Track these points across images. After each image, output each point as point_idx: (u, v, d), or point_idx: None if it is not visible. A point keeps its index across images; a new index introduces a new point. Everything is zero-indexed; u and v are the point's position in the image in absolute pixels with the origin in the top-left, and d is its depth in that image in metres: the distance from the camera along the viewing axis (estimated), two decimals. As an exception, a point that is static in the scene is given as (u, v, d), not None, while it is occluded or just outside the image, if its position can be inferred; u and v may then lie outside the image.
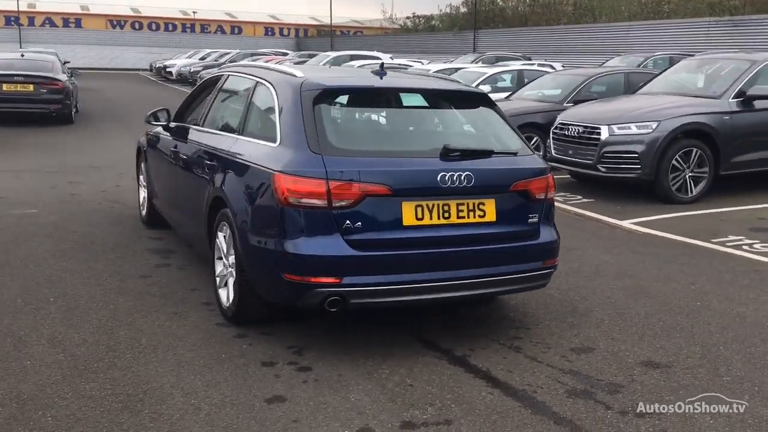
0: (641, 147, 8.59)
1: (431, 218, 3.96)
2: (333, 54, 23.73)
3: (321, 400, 3.56)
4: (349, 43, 45.31)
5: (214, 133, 5.12)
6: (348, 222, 3.82)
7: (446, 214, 3.99)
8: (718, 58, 10.43)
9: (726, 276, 5.81)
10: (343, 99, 4.35)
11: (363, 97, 4.49)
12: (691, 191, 8.74)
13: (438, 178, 3.93)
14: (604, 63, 19.52)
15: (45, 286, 5.20)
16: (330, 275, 3.81)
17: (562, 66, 18.62)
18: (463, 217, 4.02)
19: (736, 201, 8.78)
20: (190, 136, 5.46)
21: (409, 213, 3.91)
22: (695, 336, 4.50)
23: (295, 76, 4.47)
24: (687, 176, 8.72)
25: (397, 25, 45.86)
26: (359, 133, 4.30)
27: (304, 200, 3.83)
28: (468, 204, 4.03)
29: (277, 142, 4.15)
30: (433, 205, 3.96)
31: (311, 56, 31.24)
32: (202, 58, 38.99)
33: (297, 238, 3.86)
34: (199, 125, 5.48)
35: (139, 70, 50.11)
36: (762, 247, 6.75)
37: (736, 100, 9.06)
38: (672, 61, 19.27)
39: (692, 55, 19.61)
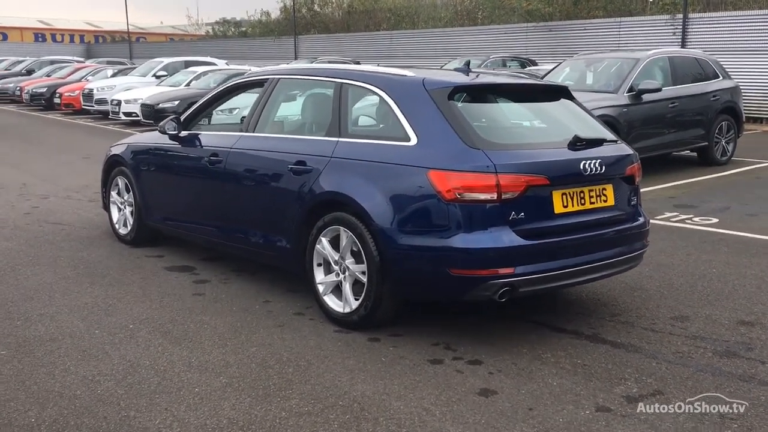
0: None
1: (573, 205, 4.20)
2: (166, 60, 22.67)
3: (529, 388, 3.68)
4: (150, 49, 43.24)
5: (291, 138, 4.96)
6: (513, 213, 3.95)
7: (582, 201, 4.25)
8: (603, 57, 11.57)
9: (706, 246, 6.60)
10: (469, 96, 4.43)
11: (484, 93, 4.59)
12: (602, 178, 9.69)
13: (581, 167, 4.18)
14: (442, 66, 20.57)
15: (114, 324, 4.72)
16: (505, 266, 3.92)
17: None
18: (594, 203, 4.31)
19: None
20: (240, 144, 5.20)
21: (558, 201, 4.13)
22: (749, 297, 5.12)
23: (407, 75, 4.50)
24: (599, 164, 9.66)
25: (204, 32, 44.54)
26: (496, 127, 4.41)
27: (473, 195, 3.90)
28: (596, 190, 4.32)
29: (413, 141, 4.16)
30: (574, 193, 4.20)
31: (113, 63, 29.47)
32: (-10, 68, 35.27)
33: (467, 232, 3.92)
34: (247, 131, 5.24)
35: None
36: (700, 220, 7.71)
37: (629, 94, 10.19)
38: (504, 63, 20.87)
39: (521, 58, 21.37)
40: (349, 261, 4.40)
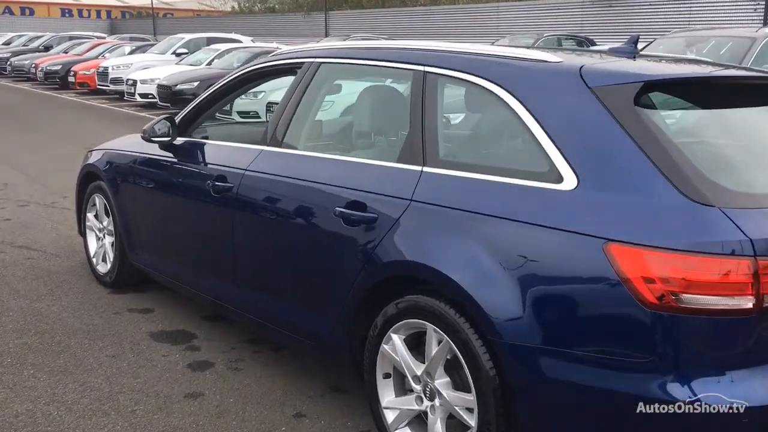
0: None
1: None
2: (188, 36, 20.85)
3: None
4: (175, 25, 41.50)
5: (341, 162, 3.10)
6: (776, 335, 2.05)
7: None
8: (707, 36, 9.53)
9: None
10: (670, 99, 2.51)
11: (696, 94, 2.62)
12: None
13: None
14: (493, 43, 18.54)
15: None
16: (766, 441, 2.03)
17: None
18: None
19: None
20: (260, 164, 3.35)
21: (843, 303, 2.22)
22: None
23: (547, 61, 2.60)
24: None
25: (229, 8, 42.67)
26: (731, 161, 2.48)
27: (704, 298, 2.01)
28: None
29: (570, 182, 2.28)
30: None
31: (136, 40, 27.73)
32: (6, 43, 33.79)
33: (690, 374, 2.03)
34: (271, 145, 3.39)
35: None
36: None
37: (746, 82, 8.18)
38: (560, 42, 18.79)
39: (579, 36, 19.26)
40: (442, 381, 2.55)
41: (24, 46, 31.62)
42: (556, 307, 2.22)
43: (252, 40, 21.72)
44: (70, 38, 30.54)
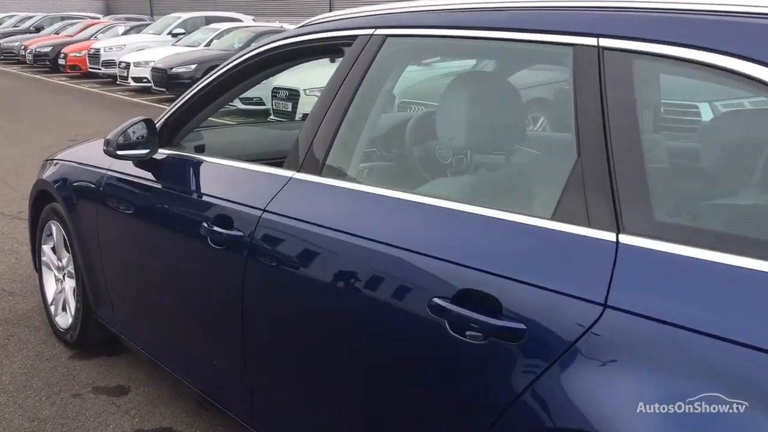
0: None
1: None
2: (185, 16, 19.44)
3: None
4: (173, 4, 39.93)
5: (433, 209, 1.76)
6: None
7: None
8: None
9: None
10: None
11: None
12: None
13: None
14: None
15: None
16: None
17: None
18: None
19: None
20: (285, 204, 2.06)
21: None
22: None
23: None
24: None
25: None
26: None
27: None
28: None
29: None
30: None
31: (131, 20, 26.33)
32: (-5, 24, 32.34)
33: None
34: (303, 170, 2.08)
35: None
36: None
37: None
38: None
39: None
40: None
41: (14, 27, 30.21)
42: None
43: (253, 19, 20.29)
44: (62, 18, 29.16)
